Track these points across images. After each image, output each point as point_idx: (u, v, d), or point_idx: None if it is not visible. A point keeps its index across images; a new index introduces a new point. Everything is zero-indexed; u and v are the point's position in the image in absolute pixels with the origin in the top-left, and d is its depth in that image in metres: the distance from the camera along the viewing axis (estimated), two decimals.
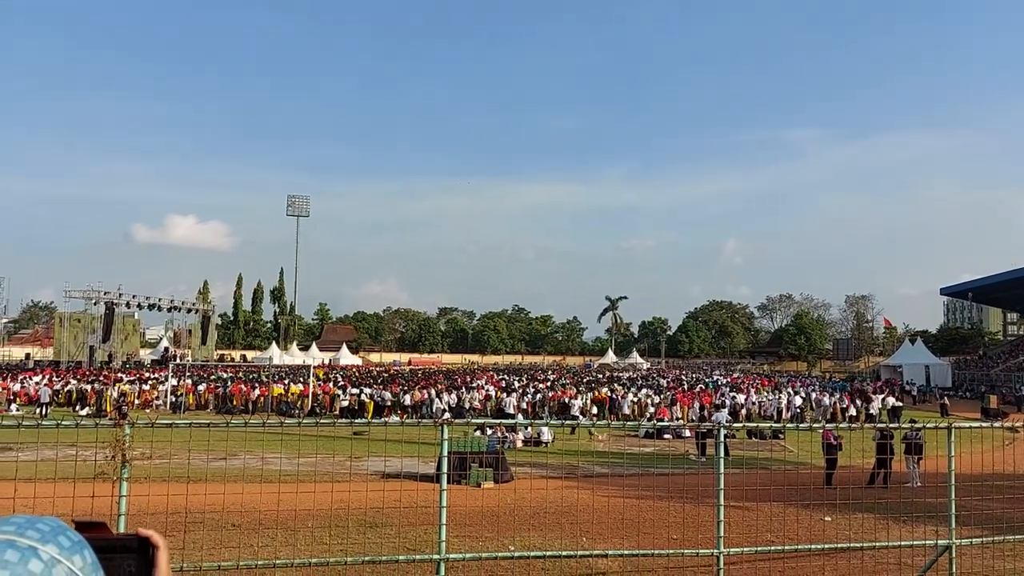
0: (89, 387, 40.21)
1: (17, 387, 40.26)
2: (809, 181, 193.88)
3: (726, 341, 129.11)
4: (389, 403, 37.09)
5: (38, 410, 34.63)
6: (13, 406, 36.51)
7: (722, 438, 8.60)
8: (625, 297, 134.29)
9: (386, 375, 62.32)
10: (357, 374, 62.29)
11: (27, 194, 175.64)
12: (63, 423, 7.44)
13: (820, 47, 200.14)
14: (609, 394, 40.67)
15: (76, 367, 60.24)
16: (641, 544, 10.50)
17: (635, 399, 39.16)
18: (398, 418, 30.21)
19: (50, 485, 7.31)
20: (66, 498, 6.63)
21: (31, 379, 43.61)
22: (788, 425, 13.01)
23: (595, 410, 36.52)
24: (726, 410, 32.53)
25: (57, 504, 7.12)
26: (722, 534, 7.97)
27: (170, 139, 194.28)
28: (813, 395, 43.60)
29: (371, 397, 37.73)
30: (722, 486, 7.98)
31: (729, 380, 60.45)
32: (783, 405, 38.61)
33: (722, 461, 8.16)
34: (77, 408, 36.98)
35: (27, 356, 74.49)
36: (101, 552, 1.01)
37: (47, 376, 45.71)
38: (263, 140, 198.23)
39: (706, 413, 31.23)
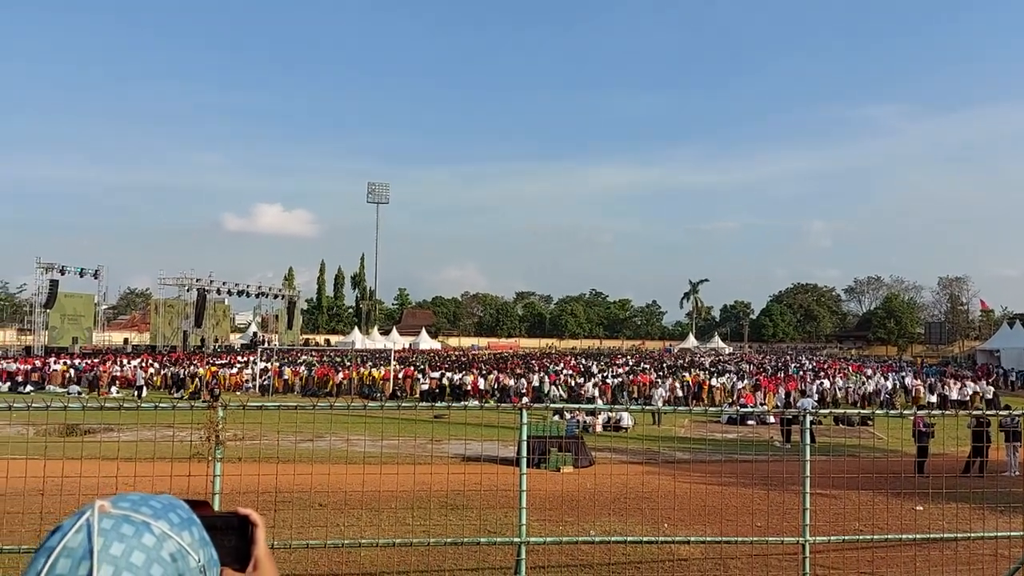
0: (183, 371, 41.91)
1: (117, 370, 42.23)
2: (897, 158, 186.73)
3: (812, 325, 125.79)
4: (470, 388, 37.50)
5: (135, 392, 36.30)
6: (114, 388, 38.36)
7: (808, 424, 8.39)
8: (706, 280, 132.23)
9: (465, 359, 62.99)
10: (437, 358, 63.14)
11: (123, 184, 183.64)
12: (160, 405, 7.78)
13: (901, 20, 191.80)
14: (696, 378, 40.22)
15: (171, 351, 62.81)
16: (724, 531, 10.36)
17: (717, 384, 38.57)
18: (477, 402, 30.50)
19: (149, 464, 7.66)
20: (164, 477, 6.94)
21: (129, 363, 45.67)
22: (877, 411, 12.61)
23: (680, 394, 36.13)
24: (813, 396, 31.73)
25: (156, 483, 7.45)
26: (808, 522, 7.79)
27: (257, 129, 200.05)
28: (906, 380, 42.11)
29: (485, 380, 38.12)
30: (808, 473, 7.79)
31: (815, 365, 58.89)
32: (871, 391, 37.44)
33: (808, 448, 7.96)
34: (172, 391, 38.61)
35: (125, 341, 78.05)
36: (204, 529, 1.05)
37: (144, 360, 47.80)
38: (344, 128, 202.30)
39: (791, 399, 30.53)
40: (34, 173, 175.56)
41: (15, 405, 7.55)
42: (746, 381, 40.83)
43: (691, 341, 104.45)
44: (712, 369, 49.97)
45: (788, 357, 77.39)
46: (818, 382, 39.65)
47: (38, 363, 44.33)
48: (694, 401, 35.64)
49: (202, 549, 1.02)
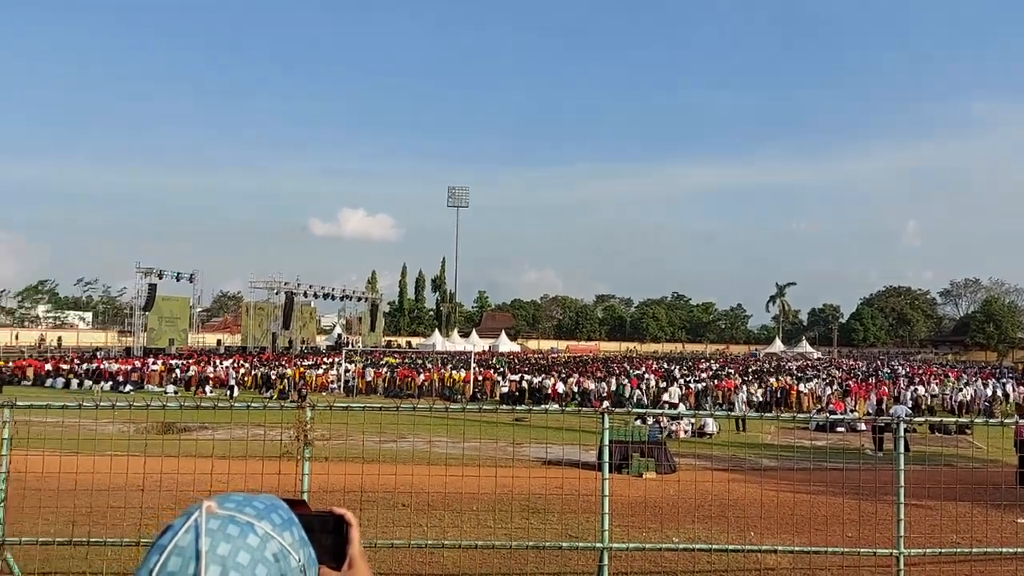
0: (272, 371, 43.20)
1: (210, 371, 43.80)
2: (997, 155, 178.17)
3: (905, 329, 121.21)
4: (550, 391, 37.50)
5: (227, 392, 37.62)
6: (207, 388, 39.84)
7: (902, 432, 8.09)
8: (793, 283, 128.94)
9: (544, 362, 62.98)
10: (516, 361, 63.32)
11: (217, 191, 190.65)
12: (252, 405, 8.04)
13: (1005, 10, 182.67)
14: (783, 383, 39.28)
15: (260, 352, 64.80)
16: (813, 541, 10.06)
17: (805, 390, 37.55)
18: (557, 406, 30.48)
19: (241, 462, 7.92)
20: (255, 475, 7.16)
21: (222, 363, 47.33)
22: (976, 420, 12.07)
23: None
24: (907, 403, 30.56)
25: (248, 480, 7.70)
26: (902, 533, 7.51)
27: (342, 135, 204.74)
28: (1007, 387, 40.12)
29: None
30: (902, 483, 7.52)
31: (908, 371, 56.68)
32: (970, 398, 35.81)
33: (902, 456, 7.68)
34: (262, 390, 39.84)
35: (218, 342, 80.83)
36: (302, 528, 1.08)
37: (235, 361, 49.46)
38: (425, 132, 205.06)
39: (883, 406, 29.47)
40: (135, 180, 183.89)
41: (118, 404, 7.92)
42: (835, 387, 39.62)
43: (777, 345, 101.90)
44: (799, 374, 48.66)
45: (880, 362, 74.72)
46: (912, 388, 38.16)
47: (137, 363, 46.37)
48: (780, 407, 34.77)
49: (302, 549, 1.05)
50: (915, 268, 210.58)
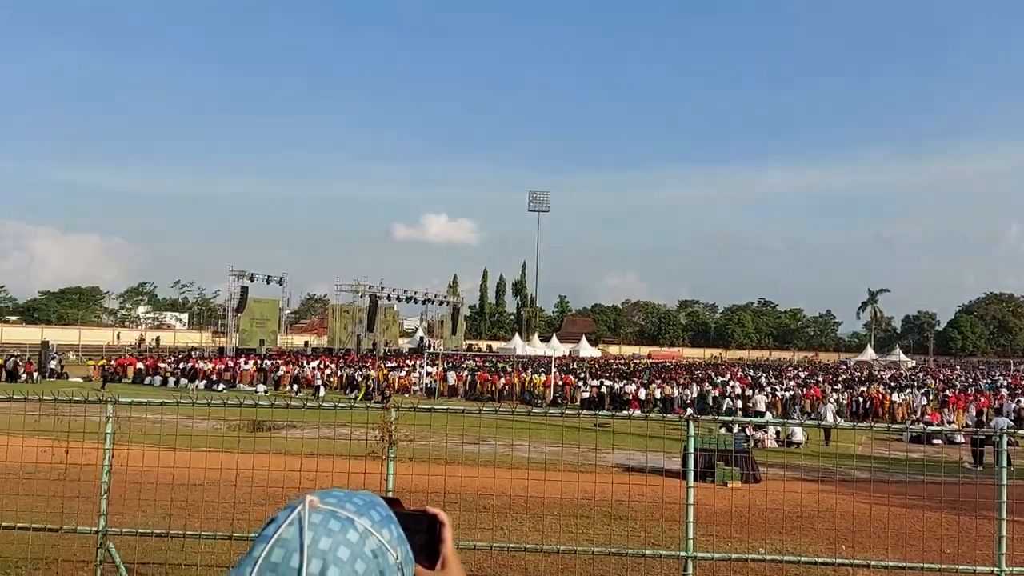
0: (357, 373, 44.12)
1: (298, 371, 44.99)
2: None
3: (1007, 338, 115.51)
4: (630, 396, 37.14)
5: (313, 392, 38.61)
6: (294, 387, 40.98)
7: (1004, 445, 7.69)
8: (886, 289, 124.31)
9: (626, 367, 62.42)
10: (597, 366, 62.97)
11: (305, 197, 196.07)
12: (339, 405, 8.22)
13: None
14: (875, 393, 37.96)
15: (346, 354, 66.24)
16: (907, 556, 9.67)
17: (899, 400, 36.17)
18: (640, 412, 30.18)
19: (328, 461, 8.09)
20: (342, 474, 7.30)
21: (308, 364, 48.58)
22: None
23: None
24: (1009, 415, 29.08)
25: (334, 479, 7.86)
26: (1004, 551, 7.14)
27: (425, 141, 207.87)
28: None
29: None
30: (1004, 498, 7.15)
31: (1011, 381, 53.95)
32: None
33: (1004, 471, 7.31)
34: (347, 391, 40.72)
35: (305, 344, 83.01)
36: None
37: (322, 362, 50.69)
38: (506, 137, 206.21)
39: (984, 418, 28.12)
40: (228, 188, 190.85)
41: (212, 402, 8.21)
42: (931, 397, 38.03)
43: (869, 353, 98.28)
44: (892, 384, 46.90)
45: (979, 372, 71.38)
46: (1015, 400, 36.29)
47: (230, 363, 48.04)
48: (870, 418, 33.54)
49: (400, 546, 1.05)
50: (1018, 274, 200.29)
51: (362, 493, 1.08)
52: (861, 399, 36.74)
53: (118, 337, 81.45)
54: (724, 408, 34.59)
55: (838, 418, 31.26)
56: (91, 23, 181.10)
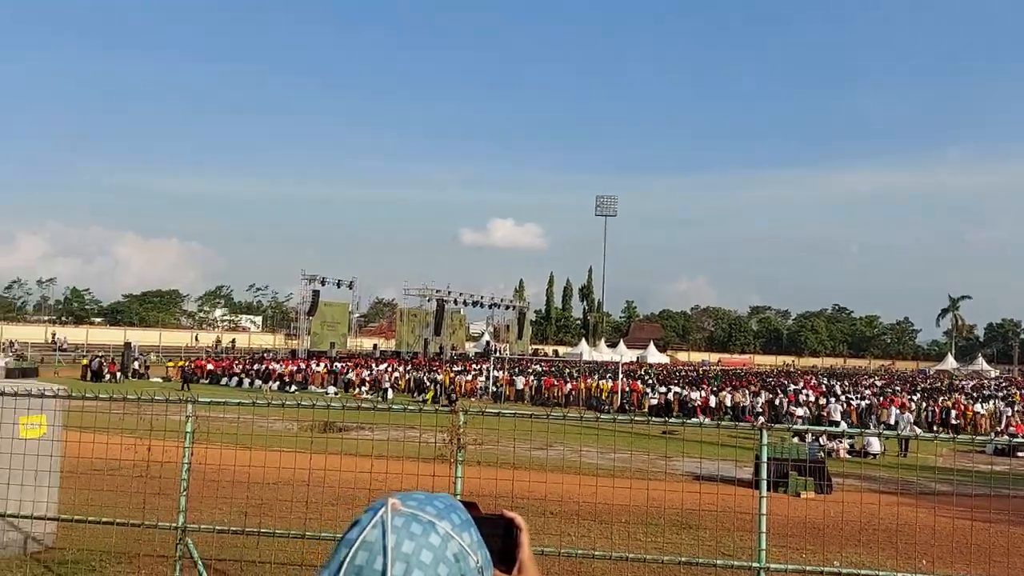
0: (425, 375, 44.58)
1: (367, 374, 45.72)
2: None
3: None
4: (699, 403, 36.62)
5: (382, 394, 39.16)
6: (363, 389, 41.64)
7: None
8: (968, 296, 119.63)
9: (695, 374, 61.55)
10: (665, 372, 62.25)
11: (374, 201, 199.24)
12: (408, 408, 8.31)
13: None
14: (956, 403, 36.63)
15: (413, 357, 67.01)
16: (992, 572, 9.29)
17: (982, 411, 34.79)
18: (709, 419, 29.69)
19: (398, 463, 8.18)
20: (411, 476, 7.37)
21: (377, 367, 49.31)
22: None
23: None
24: None
25: (404, 481, 7.95)
26: None
27: (492, 146, 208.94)
28: None
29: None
30: None
31: None
32: None
33: None
34: (415, 394, 41.17)
35: (374, 347, 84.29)
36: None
37: (390, 364, 51.40)
38: (574, 140, 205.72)
39: None
40: (300, 192, 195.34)
41: (286, 403, 8.39)
42: (1017, 407, 36.46)
43: (949, 362, 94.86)
44: (975, 394, 45.13)
45: None
46: None
47: (302, 365, 49.11)
48: (942, 428, 32.31)
49: (480, 550, 1.05)
50: None
51: (442, 496, 1.08)
52: (936, 409, 35.51)
53: (196, 339, 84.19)
54: (799, 415, 33.80)
55: (916, 428, 30.21)
56: (164, 24, 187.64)
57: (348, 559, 0.97)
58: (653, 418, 28.30)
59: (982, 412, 35.10)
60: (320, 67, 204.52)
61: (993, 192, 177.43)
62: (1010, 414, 34.29)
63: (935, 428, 32.47)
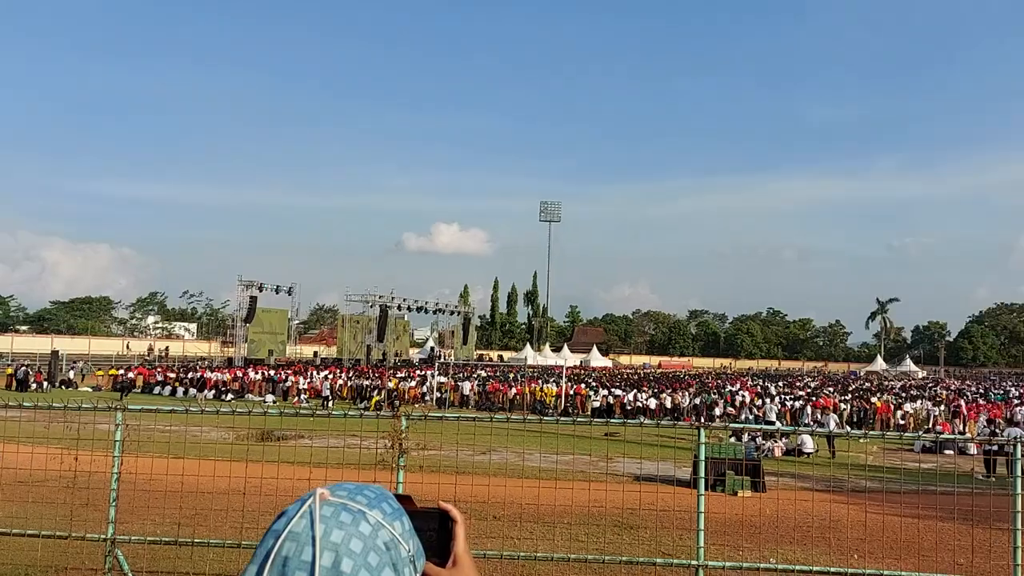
0: (367, 383, 44.13)
1: (303, 382, 44.95)
2: None
3: (1018, 348, 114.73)
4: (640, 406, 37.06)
5: (323, 402, 38.63)
6: (303, 397, 41.01)
7: (1019, 455, 7.61)
8: (896, 299, 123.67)
9: (636, 377, 62.25)
10: (607, 376, 62.82)
11: (316, 207, 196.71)
12: (348, 414, 8.20)
13: None
14: (885, 403, 37.81)
15: (355, 364, 66.27)
16: (920, 567, 9.58)
17: (909, 410, 35.96)
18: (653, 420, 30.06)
19: (337, 470, 8.08)
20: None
21: (318, 374, 48.61)
22: None
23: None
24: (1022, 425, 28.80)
25: None
26: (1019, 562, 7.05)
27: (437, 151, 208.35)
28: None
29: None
30: (1019, 508, 7.07)
31: (1023, 391, 53.52)
32: None
33: (1018, 480, 7.23)
34: (357, 402, 40.72)
35: (315, 354, 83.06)
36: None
37: (331, 372, 50.73)
38: (519, 147, 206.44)
39: (996, 427, 27.88)
40: (238, 197, 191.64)
41: (221, 411, 8.21)
42: (943, 407, 37.79)
43: (879, 364, 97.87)
44: (903, 394, 46.64)
45: (991, 383, 70.87)
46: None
47: (239, 373, 48.12)
48: (867, 427, 33.37)
49: (411, 540, 1.04)
50: None
51: (372, 487, 1.07)
52: (866, 408, 36.66)
53: (128, 347, 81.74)
54: (743, 418, 34.45)
55: (846, 427, 31.08)
56: (100, 29, 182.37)
57: (275, 550, 0.95)
58: (595, 420, 28.53)
59: (910, 411, 36.27)
60: (256, 68, 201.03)
61: (920, 199, 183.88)
62: (937, 413, 35.50)
63: (863, 427, 33.44)
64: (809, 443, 24.11)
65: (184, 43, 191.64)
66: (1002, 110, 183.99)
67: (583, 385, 45.60)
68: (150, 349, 79.34)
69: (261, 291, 68.33)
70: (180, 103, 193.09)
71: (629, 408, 37.30)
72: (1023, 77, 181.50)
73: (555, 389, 41.89)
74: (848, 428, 30.67)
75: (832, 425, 31.55)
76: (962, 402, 40.62)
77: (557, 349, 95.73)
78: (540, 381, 46.18)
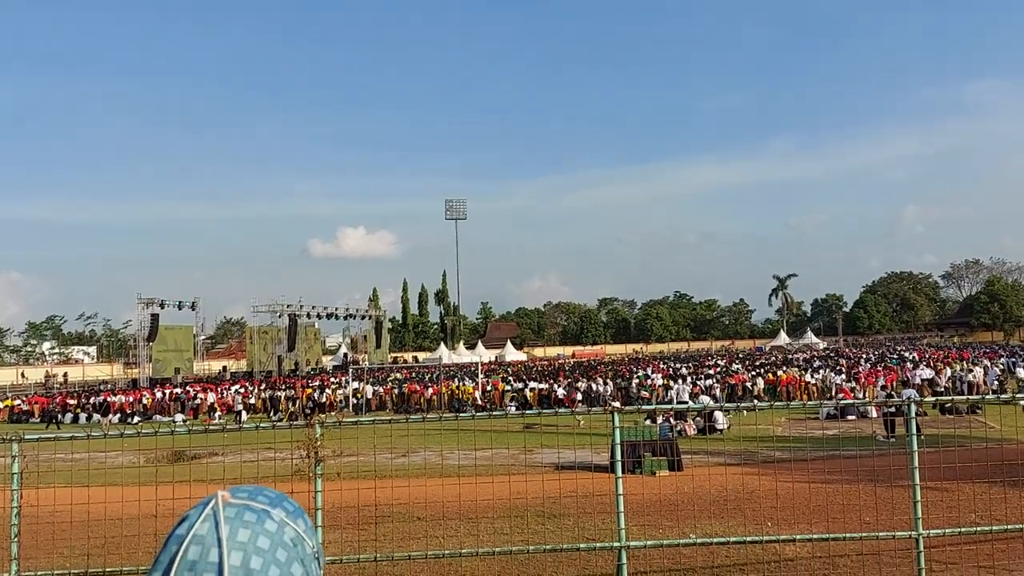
0: (281, 394, 43.17)
1: (212, 398, 43.61)
2: (998, 137, 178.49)
3: (909, 315, 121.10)
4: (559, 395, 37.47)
5: (236, 417, 37.59)
6: (215, 414, 39.81)
7: (913, 415, 8.06)
8: (795, 275, 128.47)
9: (551, 368, 62.91)
10: (523, 369, 63.25)
11: (215, 218, 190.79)
12: (261, 426, 8.02)
13: None
14: (793, 375, 39.32)
15: (267, 376, 64.75)
16: (831, 528, 10.02)
17: (813, 380, 37.53)
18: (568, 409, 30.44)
19: (253, 484, 7.89)
20: None
21: (228, 389, 47.29)
22: (988, 397, 11.97)
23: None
24: (915, 387, 30.47)
25: None
26: (920, 515, 7.48)
27: (338, 154, 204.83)
28: (1017, 367, 40.04)
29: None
30: (916, 465, 7.50)
31: (915, 355, 56.57)
32: (979, 379, 35.72)
33: (915, 439, 7.66)
34: (271, 413, 39.80)
35: (224, 369, 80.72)
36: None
37: (242, 386, 49.42)
38: (421, 146, 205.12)
39: (892, 390, 29.42)
40: (132, 212, 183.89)
41: (126, 434, 7.91)
42: (843, 375, 39.59)
43: (783, 338, 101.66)
44: (806, 365, 48.63)
45: (886, 349, 74.62)
46: (918, 371, 38.10)
47: (145, 394, 46.35)
48: (786, 398, 34.72)
49: (313, 537, 1.06)
50: (916, 253, 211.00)
51: (270, 489, 1.08)
52: (773, 380, 38.01)
53: (23, 376, 77.54)
54: (659, 399, 35.26)
55: (755, 400, 32.20)
56: None
57: (180, 555, 0.94)
58: (511, 412, 28.73)
59: (813, 381, 37.86)
60: (147, 72, 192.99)
61: (813, 179, 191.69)
62: (838, 381, 37.16)
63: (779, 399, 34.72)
64: (721, 420, 24.86)
65: (52, 50, 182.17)
66: (884, 90, 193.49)
67: (500, 380, 45.80)
68: (47, 376, 75.45)
69: (163, 308, 66.03)
70: (48, 115, 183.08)
71: (547, 399, 37.65)
72: (902, 59, 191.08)
73: (472, 387, 41.94)
74: (757, 401, 31.77)
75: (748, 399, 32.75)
76: (860, 369, 42.66)
77: (472, 346, 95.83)
78: (456, 380, 46.15)
